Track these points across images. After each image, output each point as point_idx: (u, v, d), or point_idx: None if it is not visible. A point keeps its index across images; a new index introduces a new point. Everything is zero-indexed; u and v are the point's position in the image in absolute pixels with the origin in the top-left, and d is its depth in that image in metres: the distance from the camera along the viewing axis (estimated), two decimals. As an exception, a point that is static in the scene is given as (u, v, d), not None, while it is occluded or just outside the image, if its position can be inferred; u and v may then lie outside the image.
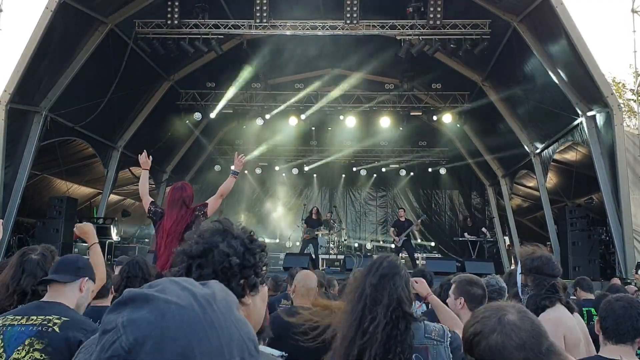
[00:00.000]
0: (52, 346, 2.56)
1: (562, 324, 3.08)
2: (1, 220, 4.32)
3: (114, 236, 15.79)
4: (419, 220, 16.40)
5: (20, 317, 2.66)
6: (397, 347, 2.17)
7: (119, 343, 0.74)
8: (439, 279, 7.85)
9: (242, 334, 0.80)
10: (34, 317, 2.64)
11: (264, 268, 1.58)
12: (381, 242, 21.38)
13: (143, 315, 0.76)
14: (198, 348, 0.74)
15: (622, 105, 25.82)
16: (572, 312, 3.23)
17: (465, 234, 17.28)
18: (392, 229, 15.31)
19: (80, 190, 16.90)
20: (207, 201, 5.61)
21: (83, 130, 14.24)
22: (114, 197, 17.87)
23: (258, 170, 21.58)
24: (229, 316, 0.81)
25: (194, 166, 21.69)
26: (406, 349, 2.19)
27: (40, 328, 2.60)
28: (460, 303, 3.23)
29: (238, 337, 0.79)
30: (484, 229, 17.21)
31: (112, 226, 15.69)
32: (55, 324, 2.63)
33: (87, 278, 2.94)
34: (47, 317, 2.65)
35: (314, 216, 16.01)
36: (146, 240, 18.17)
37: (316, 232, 15.48)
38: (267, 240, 21.07)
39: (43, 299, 2.84)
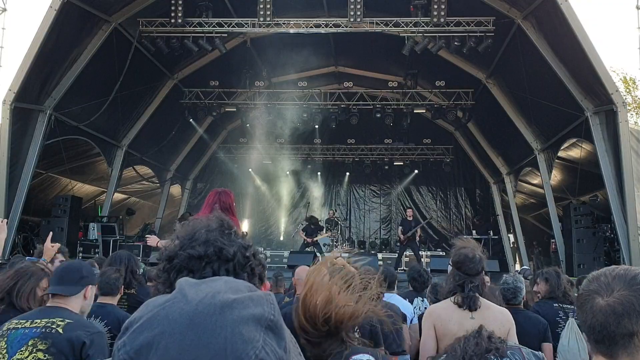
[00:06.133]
0: (56, 347, 2.58)
1: (435, 314, 3.41)
2: (5, 219, 4.31)
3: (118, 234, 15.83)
4: (419, 226, 15.97)
5: (24, 321, 2.68)
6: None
7: None
8: (441, 276, 7.87)
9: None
10: (38, 320, 2.67)
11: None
12: (384, 240, 21.42)
13: None
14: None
15: (632, 102, 25.73)
16: (470, 309, 3.37)
17: (474, 232, 17.29)
18: (400, 227, 15.31)
19: (84, 189, 16.95)
20: None
21: (87, 129, 14.27)
22: (118, 196, 17.90)
23: (262, 169, 21.59)
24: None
25: (198, 164, 21.73)
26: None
27: (44, 330, 2.62)
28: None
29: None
30: (490, 232, 17.24)
31: (116, 225, 15.72)
32: (58, 325, 2.65)
33: (90, 285, 2.96)
34: (51, 319, 2.68)
35: (312, 225, 15.97)
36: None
37: (316, 238, 15.44)
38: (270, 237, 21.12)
39: (47, 304, 2.86)
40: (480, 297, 3.43)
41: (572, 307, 4.92)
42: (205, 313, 0.81)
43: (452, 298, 3.39)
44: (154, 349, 0.78)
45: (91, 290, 2.98)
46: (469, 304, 3.35)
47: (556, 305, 4.91)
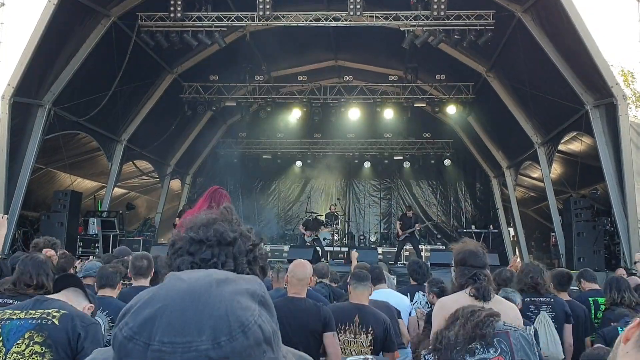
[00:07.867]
0: (52, 338, 2.58)
1: (446, 307, 3.27)
2: (5, 215, 4.30)
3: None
4: (419, 227, 16.00)
5: (19, 312, 2.67)
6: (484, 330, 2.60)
7: None
8: (443, 270, 7.95)
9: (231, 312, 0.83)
10: (33, 311, 2.66)
11: None
12: (384, 234, 21.43)
13: None
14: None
15: (630, 94, 25.72)
16: (484, 300, 3.32)
17: (473, 227, 17.34)
18: (398, 222, 15.38)
19: (84, 184, 16.94)
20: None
21: (87, 124, 14.25)
22: (118, 191, 17.90)
23: (262, 163, 21.59)
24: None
25: (198, 159, 21.71)
26: (489, 333, 2.59)
27: (39, 321, 2.61)
28: None
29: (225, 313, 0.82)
30: (491, 227, 17.28)
31: (116, 219, 15.72)
32: (54, 316, 2.64)
33: (89, 305, 3.00)
34: (46, 310, 2.67)
35: (312, 219, 15.98)
36: (150, 233, 18.21)
37: (316, 234, 15.47)
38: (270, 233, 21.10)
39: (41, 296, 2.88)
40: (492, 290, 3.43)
41: (545, 299, 4.87)
42: (203, 287, 0.85)
43: (466, 290, 3.38)
44: (157, 321, 0.80)
45: (88, 311, 3.03)
46: (483, 294, 3.33)
47: (527, 299, 4.86)
